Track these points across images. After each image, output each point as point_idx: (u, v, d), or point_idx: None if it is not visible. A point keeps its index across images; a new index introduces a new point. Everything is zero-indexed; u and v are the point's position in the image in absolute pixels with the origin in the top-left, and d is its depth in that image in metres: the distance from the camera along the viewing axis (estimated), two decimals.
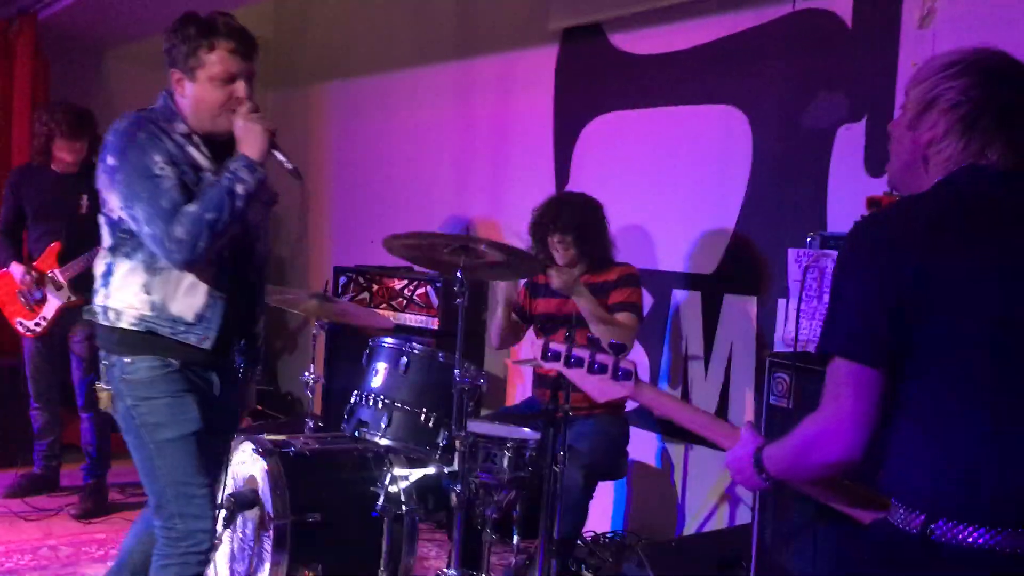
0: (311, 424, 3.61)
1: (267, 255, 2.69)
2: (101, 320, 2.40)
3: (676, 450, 3.90)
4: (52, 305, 4.16)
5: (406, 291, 4.76)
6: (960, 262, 1.48)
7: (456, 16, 5.14)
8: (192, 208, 2.26)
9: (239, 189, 2.34)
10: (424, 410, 3.01)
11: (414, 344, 3.10)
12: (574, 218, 3.52)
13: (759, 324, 3.57)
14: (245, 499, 3.04)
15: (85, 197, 4.08)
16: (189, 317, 2.36)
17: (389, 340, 3.16)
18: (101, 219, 2.43)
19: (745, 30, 3.66)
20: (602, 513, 4.03)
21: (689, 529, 3.82)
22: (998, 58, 1.63)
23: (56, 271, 4.14)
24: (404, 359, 3.05)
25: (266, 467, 3.05)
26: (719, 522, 3.72)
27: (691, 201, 3.85)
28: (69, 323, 4.18)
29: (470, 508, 2.99)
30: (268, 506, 3.02)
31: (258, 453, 3.10)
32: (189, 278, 2.35)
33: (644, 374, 3.59)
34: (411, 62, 5.43)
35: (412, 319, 4.69)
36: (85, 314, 2.51)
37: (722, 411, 3.70)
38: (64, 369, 4.28)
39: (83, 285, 3.96)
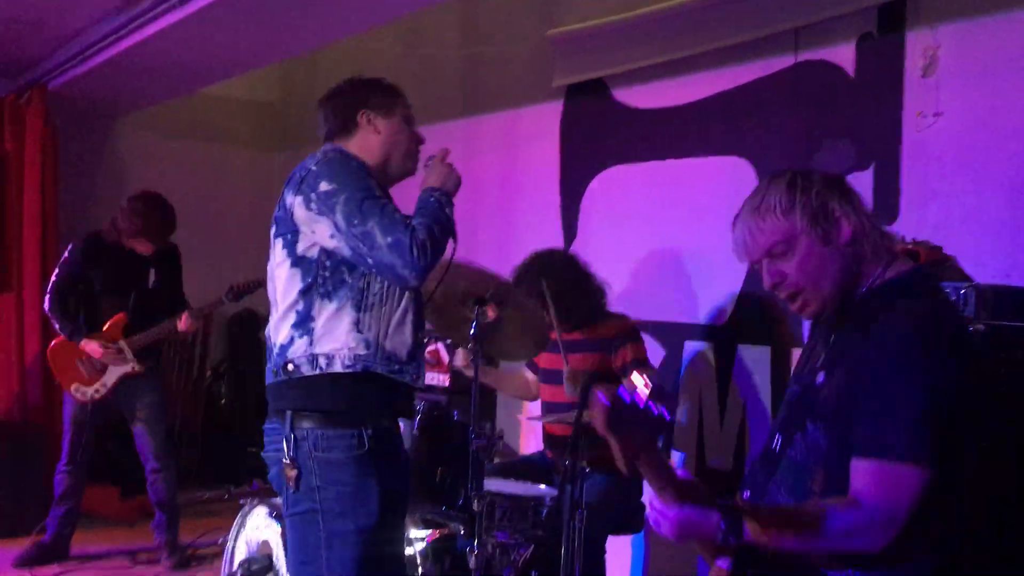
0: None
1: None
2: (306, 371, 2.21)
3: None
4: (114, 373, 4.31)
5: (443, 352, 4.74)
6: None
7: (462, 75, 5.21)
8: (418, 219, 2.22)
9: (447, 211, 2.34)
10: (440, 470, 2.98)
11: (428, 404, 3.08)
12: (538, 286, 3.38)
13: (773, 374, 3.55)
14: (260, 565, 3.00)
15: (153, 271, 4.38)
16: (403, 355, 2.25)
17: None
18: (285, 266, 2.28)
19: (748, 82, 3.70)
20: (621, 568, 3.96)
21: None
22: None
23: (122, 341, 4.30)
24: (419, 419, 3.03)
25: (281, 532, 3.02)
26: None
27: (701, 252, 3.85)
28: (130, 394, 4.35)
29: (488, 569, 2.95)
30: (283, 572, 2.98)
31: (272, 517, 3.07)
32: (397, 314, 2.26)
33: None
34: (418, 121, 5.45)
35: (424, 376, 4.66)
36: (278, 376, 2.27)
37: (739, 462, 3.66)
38: (104, 438, 4.41)
39: (144, 354, 4.32)
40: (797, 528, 1.67)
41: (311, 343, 2.22)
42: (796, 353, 3.43)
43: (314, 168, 2.28)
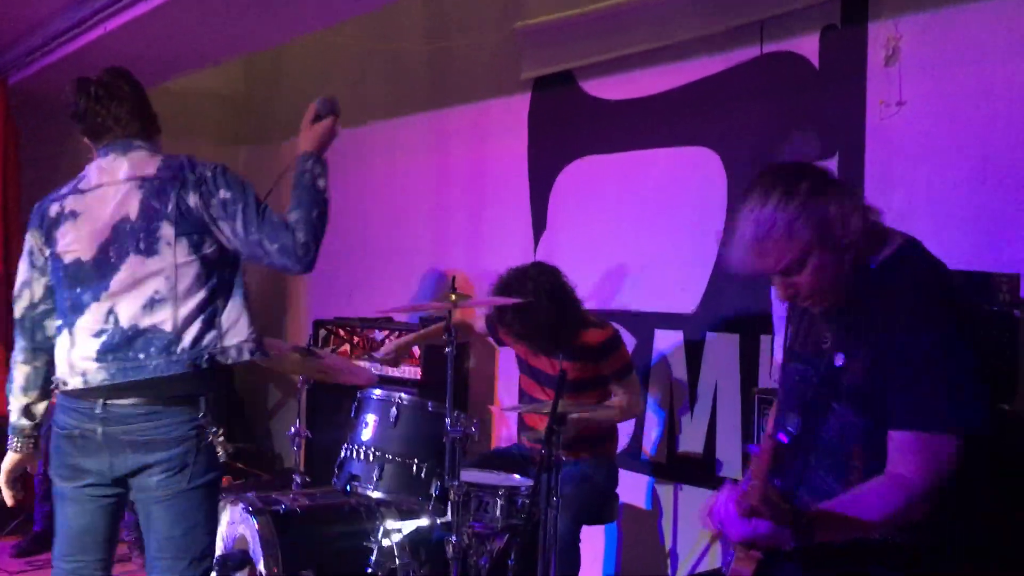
0: (299, 480, 3.57)
1: None
2: (221, 361, 2.38)
3: (666, 491, 3.90)
4: None
5: (387, 342, 4.74)
6: None
7: (428, 67, 5.21)
8: (295, 214, 2.44)
9: (320, 184, 2.53)
10: (416, 461, 3.00)
11: (403, 395, 3.09)
12: (524, 324, 3.31)
13: (742, 361, 3.60)
14: (236, 560, 3.00)
15: None
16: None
17: (378, 392, 3.16)
18: (193, 264, 2.39)
19: (714, 74, 3.74)
20: (594, 558, 4.00)
21: (681, 572, 3.80)
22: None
23: None
24: (394, 410, 3.05)
25: (257, 526, 3.02)
26: (711, 563, 3.71)
27: (669, 241, 3.89)
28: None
29: (464, 559, 2.97)
30: (260, 566, 2.98)
31: (248, 512, 3.07)
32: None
33: None
34: (385, 113, 5.48)
35: (395, 370, 4.66)
36: (185, 367, 2.34)
37: (709, 450, 3.71)
38: None
39: None
40: (854, 523, 1.70)
41: (220, 337, 2.41)
42: (765, 340, 3.48)
43: (209, 174, 2.47)
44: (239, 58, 6.07)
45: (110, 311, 2.35)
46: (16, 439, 2.52)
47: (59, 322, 2.43)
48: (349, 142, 5.78)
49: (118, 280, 2.36)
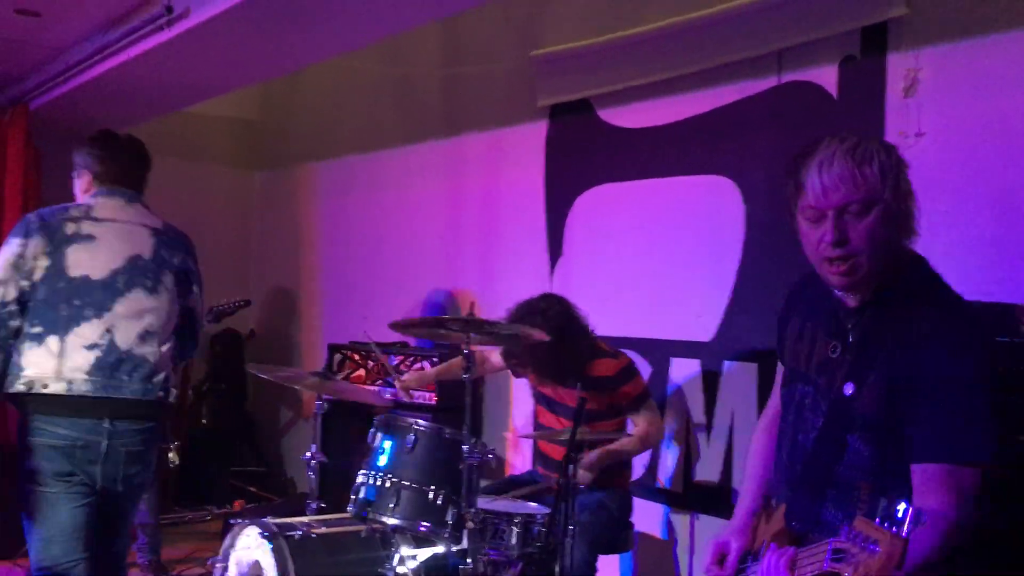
0: (313, 505, 3.56)
1: None
2: (170, 395, 2.89)
3: (682, 521, 3.88)
4: None
5: (403, 367, 4.74)
6: None
7: (444, 94, 5.24)
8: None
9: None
10: (432, 488, 2.98)
11: (421, 422, 3.09)
12: (535, 358, 3.38)
13: (761, 391, 3.59)
14: None
15: None
16: None
17: (395, 418, 3.15)
18: (176, 307, 2.95)
19: (732, 103, 3.76)
20: None
21: None
22: None
23: None
24: (411, 436, 3.03)
25: (272, 551, 3.00)
26: None
27: (687, 269, 3.90)
28: None
29: None
30: None
31: (264, 537, 3.05)
32: None
33: None
34: (400, 140, 5.51)
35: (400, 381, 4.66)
36: (154, 395, 2.85)
37: (726, 479, 3.69)
38: None
39: None
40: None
41: (171, 376, 2.92)
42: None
43: (189, 244, 3.10)
44: (255, 84, 6.13)
45: (108, 330, 2.73)
46: None
47: (37, 329, 2.69)
48: (362, 167, 5.86)
49: (122, 306, 2.76)
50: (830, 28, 3.34)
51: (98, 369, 2.69)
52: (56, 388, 2.66)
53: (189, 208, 6.44)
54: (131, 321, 2.77)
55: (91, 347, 2.69)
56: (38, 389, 2.65)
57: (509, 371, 3.83)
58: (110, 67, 4.46)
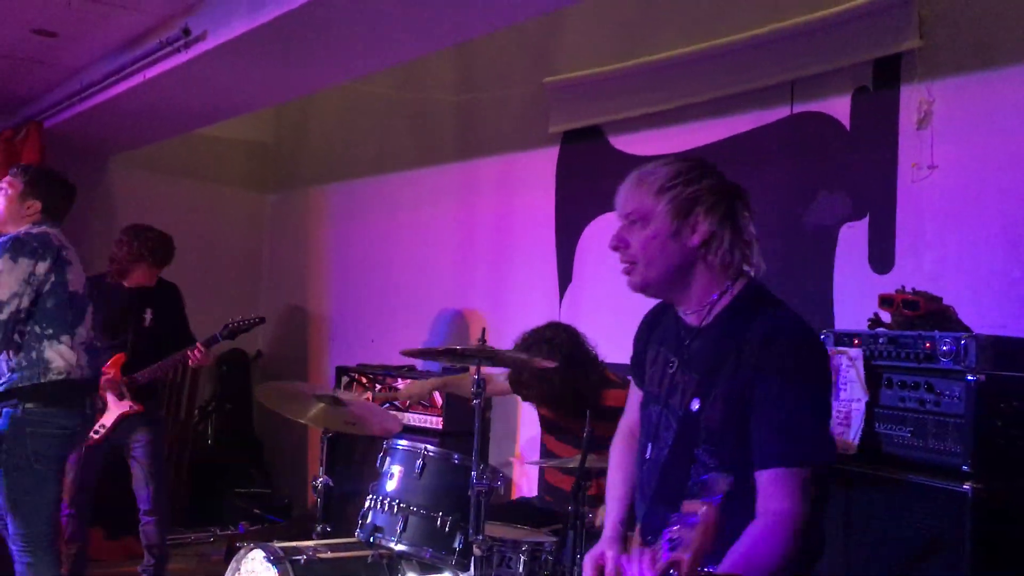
0: (319, 529, 3.54)
1: None
2: None
3: None
4: (112, 413, 4.25)
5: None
6: None
7: (456, 119, 5.27)
8: None
9: None
10: (440, 514, 2.97)
11: (429, 447, 3.07)
12: (543, 387, 3.37)
13: None
14: None
15: (149, 311, 4.36)
16: None
17: (403, 443, 3.14)
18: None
19: (743, 132, 3.76)
20: None
21: None
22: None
23: (120, 381, 4.27)
24: (420, 462, 3.02)
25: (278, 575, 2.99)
26: None
27: None
28: (127, 432, 4.31)
29: None
30: None
31: (269, 561, 3.04)
32: None
33: None
34: (412, 164, 5.53)
35: (416, 419, 4.65)
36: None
37: None
38: (102, 479, 4.38)
39: (142, 394, 4.28)
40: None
41: None
42: None
43: None
44: (270, 107, 6.17)
45: (90, 331, 3.45)
46: None
47: (50, 331, 3.30)
48: (373, 191, 5.87)
49: (88, 313, 3.46)
50: (843, 59, 3.35)
51: (89, 362, 3.42)
52: (74, 375, 3.32)
53: (202, 229, 6.49)
54: (89, 326, 3.47)
55: (83, 344, 3.39)
56: (66, 377, 3.29)
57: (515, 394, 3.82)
58: (126, 88, 4.49)
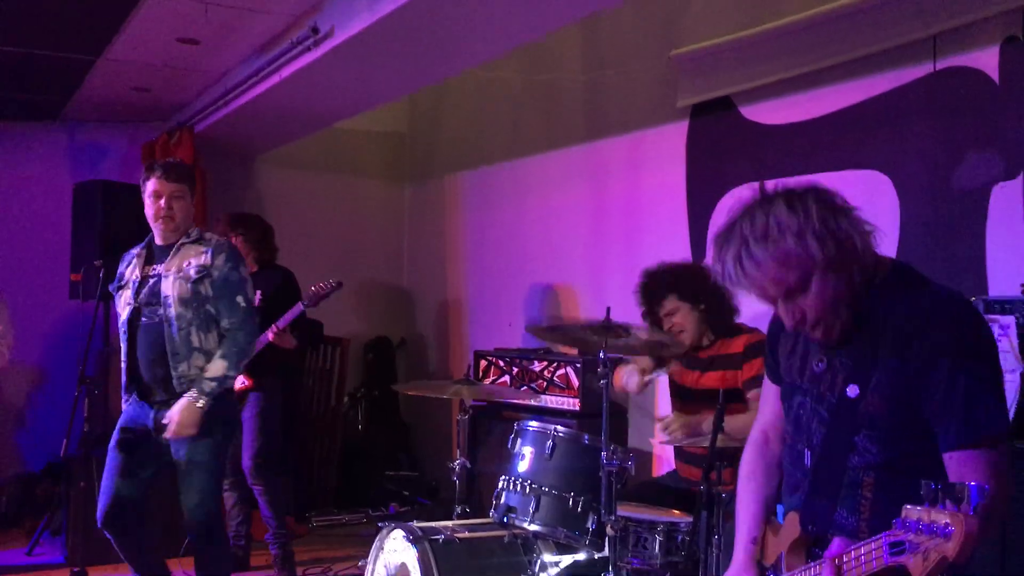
0: (458, 510, 3.61)
1: None
2: None
3: None
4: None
5: (546, 373, 4.75)
6: None
7: (585, 99, 5.23)
8: None
9: None
10: (572, 494, 2.97)
11: (559, 428, 3.08)
12: (691, 285, 3.37)
13: None
14: None
15: (259, 292, 4.39)
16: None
17: (534, 424, 3.16)
18: None
19: (883, 93, 3.57)
20: None
21: None
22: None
23: None
24: (549, 443, 3.03)
25: (417, 555, 3.06)
26: None
27: None
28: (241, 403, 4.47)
29: None
30: None
31: (409, 541, 3.12)
32: None
33: None
34: (542, 147, 5.53)
35: (553, 401, 4.67)
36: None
37: None
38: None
39: (254, 370, 4.32)
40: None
41: None
42: None
43: None
44: (403, 98, 6.30)
45: None
46: None
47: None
48: (506, 176, 5.91)
49: None
50: (990, 8, 3.12)
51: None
52: None
53: (343, 221, 6.72)
54: None
55: None
56: None
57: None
58: (264, 89, 4.68)
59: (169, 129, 5.86)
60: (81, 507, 4.51)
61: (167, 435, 3.26)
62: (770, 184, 1.84)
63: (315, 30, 3.94)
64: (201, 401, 3.25)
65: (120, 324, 3.46)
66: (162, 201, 3.37)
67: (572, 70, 5.30)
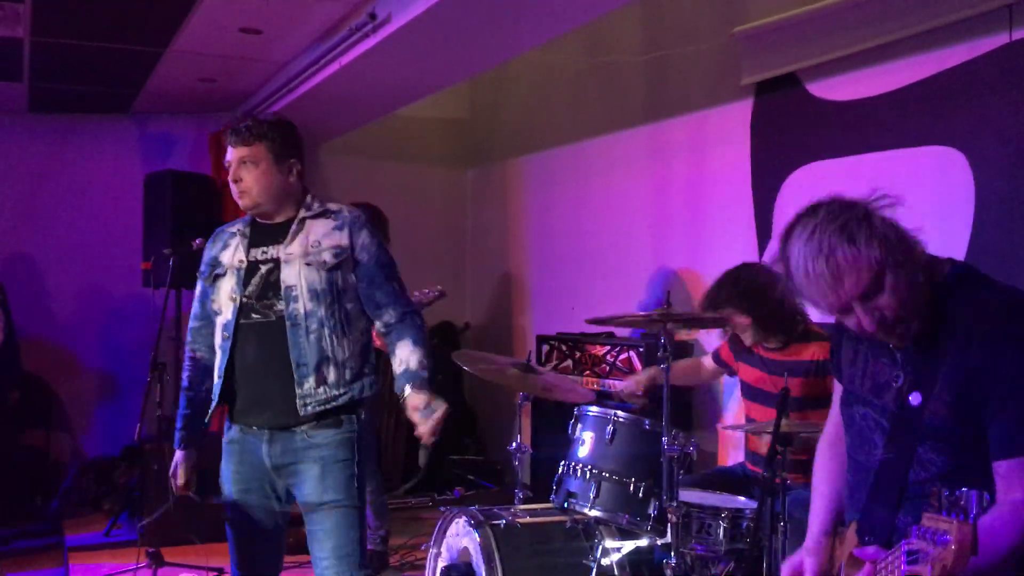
0: (520, 495, 3.61)
1: None
2: None
3: None
4: None
5: (608, 357, 4.72)
6: None
7: (646, 80, 5.16)
8: None
9: None
10: (633, 479, 2.94)
11: (619, 412, 3.05)
12: (737, 294, 3.26)
13: None
14: (460, 572, 3.07)
15: None
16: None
17: (594, 409, 3.13)
18: None
19: (955, 66, 3.43)
20: None
21: None
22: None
23: None
24: (610, 428, 3.01)
25: (478, 539, 3.07)
26: None
27: None
28: None
29: None
30: None
31: (471, 525, 3.13)
32: None
33: None
34: (603, 129, 5.48)
35: (616, 385, 4.63)
36: None
37: None
38: None
39: None
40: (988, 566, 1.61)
41: None
42: None
43: None
44: (463, 84, 6.29)
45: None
46: None
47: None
48: (567, 159, 5.87)
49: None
50: None
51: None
52: None
53: (408, 207, 6.74)
54: None
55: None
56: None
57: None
58: (325, 76, 4.71)
59: (235, 119, 5.96)
60: (154, 489, 4.63)
61: (425, 440, 2.57)
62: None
63: (373, 16, 3.95)
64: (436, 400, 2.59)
65: (222, 325, 2.63)
66: (232, 172, 2.63)
67: (632, 51, 5.22)
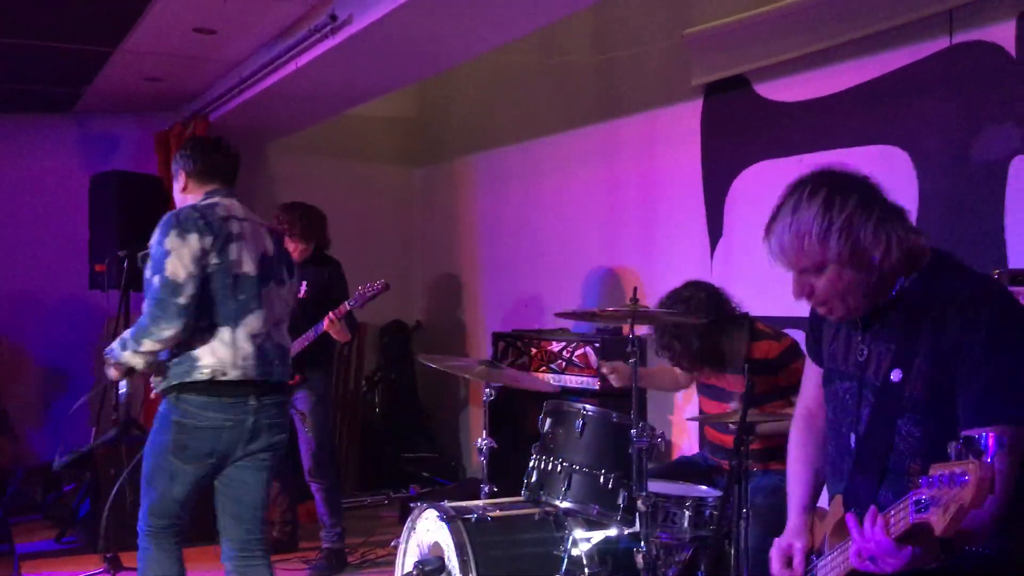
0: (486, 489, 3.66)
1: None
2: None
3: None
4: None
5: (565, 352, 4.80)
6: None
7: (597, 79, 5.25)
8: None
9: None
10: (603, 471, 3.02)
11: (588, 407, 3.13)
12: (693, 348, 3.32)
13: None
14: (433, 566, 3.11)
15: (305, 284, 4.40)
16: None
17: (564, 403, 3.20)
18: (290, 296, 3.20)
19: (899, 69, 3.60)
20: None
21: None
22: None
23: None
24: (579, 421, 3.08)
25: (451, 533, 3.12)
26: None
27: None
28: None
29: (653, 570, 2.97)
30: (455, 572, 3.08)
31: (442, 520, 3.18)
32: None
33: None
34: (554, 128, 5.56)
35: (573, 380, 4.72)
36: (289, 377, 3.17)
37: None
38: None
39: (298, 364, 4.13)
40: (970, 531, 1.67)
41: None
42: None
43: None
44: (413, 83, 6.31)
45: (265, 321, 2.99)
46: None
47: (205, 322, 2.90)
48: (518, 157, 5.94)
49: (268, 298, 3.02)
50: None
51: (261, 357, 2.97)
52: (233, 375, 2.92)
53: (355, 206, 6.74)
54: (275, 311, 3.07)
55: (254, 337, 2.96)
56: (219, 378, 2.91)
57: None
58: (280, 77, 4.70)
59: (184, 119, 5.89)
60: (111, 494, 4.57)
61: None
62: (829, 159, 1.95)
63: (333, 17, 3.96)
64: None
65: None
66: None
67: (583, 51, 5.31)
